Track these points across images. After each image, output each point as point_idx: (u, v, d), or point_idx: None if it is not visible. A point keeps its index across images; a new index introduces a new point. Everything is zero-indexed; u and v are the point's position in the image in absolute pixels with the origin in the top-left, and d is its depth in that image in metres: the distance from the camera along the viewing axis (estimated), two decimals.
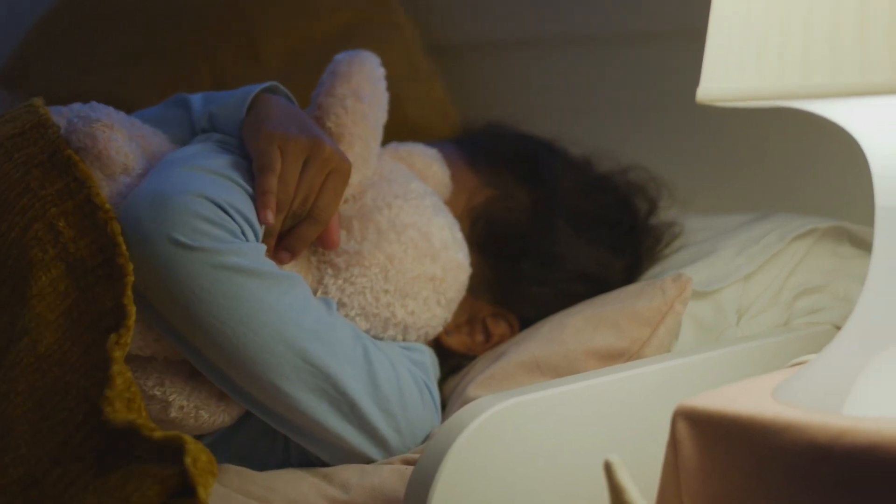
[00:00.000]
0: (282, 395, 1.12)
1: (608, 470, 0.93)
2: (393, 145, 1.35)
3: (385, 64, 1.82)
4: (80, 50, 1.88)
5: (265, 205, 1.13)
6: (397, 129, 1.79)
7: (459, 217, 1.35)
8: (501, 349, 1.30)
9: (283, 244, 1.18)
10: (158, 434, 1.00)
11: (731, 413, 0.94)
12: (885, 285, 0.96)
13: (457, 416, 1.05)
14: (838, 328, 1.28)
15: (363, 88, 1.25)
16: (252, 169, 1.15)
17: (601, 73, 1.78)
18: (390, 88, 1.80)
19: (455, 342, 1.34)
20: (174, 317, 1.10)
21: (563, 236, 1.37)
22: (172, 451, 0.99)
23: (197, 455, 0.99)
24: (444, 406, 1.28)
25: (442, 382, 1.32)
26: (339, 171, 1.18)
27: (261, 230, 1.15)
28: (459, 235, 1.29)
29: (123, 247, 1.07)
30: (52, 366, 1.04)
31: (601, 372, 1.16)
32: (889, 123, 0.92)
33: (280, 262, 1.18)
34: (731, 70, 0.92)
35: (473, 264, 1.33)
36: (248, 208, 1.13)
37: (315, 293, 1.21)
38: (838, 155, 1.52)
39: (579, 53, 1.81)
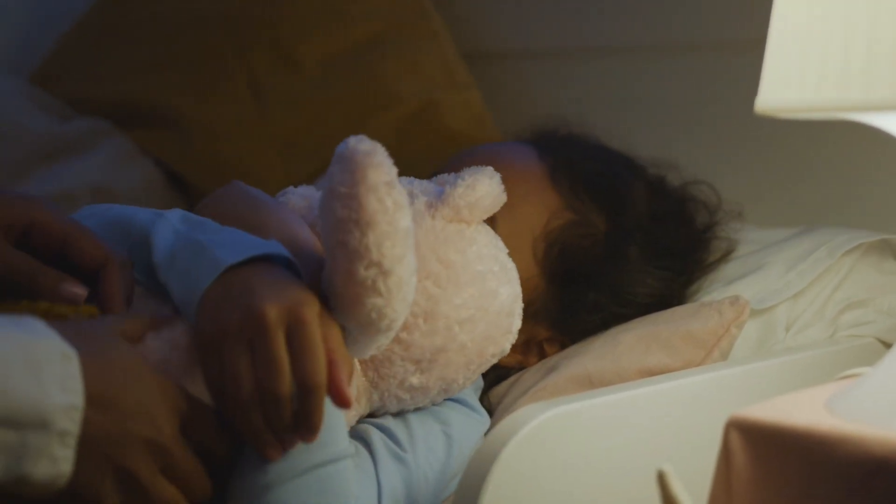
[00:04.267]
0: None
1: (661, 479, 0.92)
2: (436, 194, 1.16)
3: (421, 71, 1.84)
4: (116, 53, 1.89)
5: (263, 445, 0.99)
6: (435, 137, 1.80)
7: (537, 238, 1.32)
8: (552, 362, 1.29)
9: (298, 430, 0.99)
10: None
11: (787, 425, 0.94)
12: None
13: (503, 426, 1.04)
14: (881, 341, 1.29)
15: (384, 241, 0.98)
16: None
17: (641, 84, 1.78)
18: (427, 95, 1.81)
19: (509, 361, 1.33)
20: None
21: (634, 268, 1.34)
22: None
23: None
24: (492, 413, 1.28)
25: (490, 389, 1.32)
26: (300, 322, 0.96)
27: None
28: (519, 307, 1.20)
29: None
30: None
31: (650, 381, 1.16)
32: None
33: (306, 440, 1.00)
34: (792, 81, 0.91)
35: (540, 290, 1.31)
36: None
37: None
38: (882, 167, 1.52)
39: (617, 63, 1.81)
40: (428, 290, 1.11)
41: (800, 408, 0.98)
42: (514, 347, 1.32)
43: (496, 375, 1.33)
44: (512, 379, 1.32)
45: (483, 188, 1.13)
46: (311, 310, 0.97)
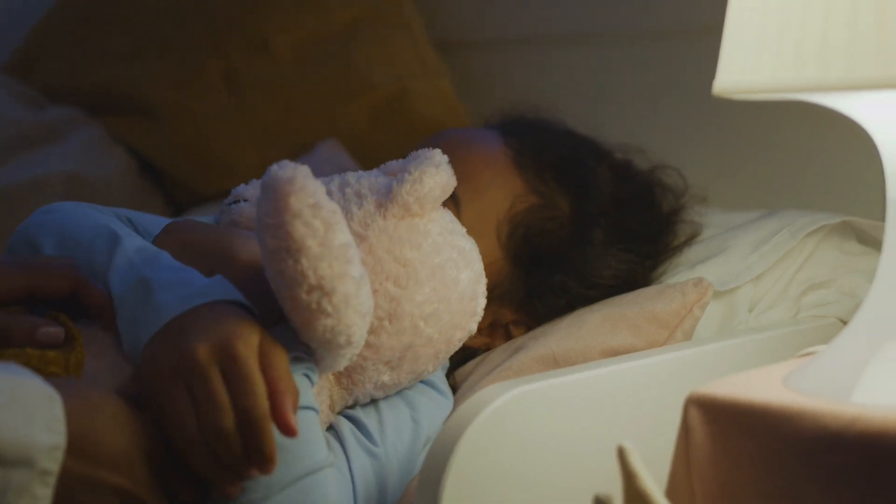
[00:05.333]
0: None
1: (621, 455, 0.94)
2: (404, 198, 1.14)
3: (394, 59, 1.85)
4: (89, 42, 1.90)
5: (219, 482, 0.99)
6: (407, 125, 1.81)
7: (501, 222, 1.33)
8: (519, 342, 1.31)
9: (253, 462, 0.99)
10: None
11: (744, 400, 0.96)
12: (895, 278, 0.97)
13: (468, 405, 1.05)
14: (843, 322, 1.30)
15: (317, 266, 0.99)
16: None
17: (607, 70, 1.80)
18: (399, 83, 1.83)
19: (476, 343, 1.35)
20: None
21: (599, 251, 1.35)
22: None
23: None
24: (456, 391, 1.29)
25: (456, 369, 1.33)
26: (232, 358, 0.98)
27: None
28: (482, 287, 1.20)
29: None
30: None
31: (613, 361, 1.17)
32: None
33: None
34: (749, 63, 0.93)
35: (505, 273, 1.33)
36: None
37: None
38: (843, 150, 1.54)
39: (585, 51, 1.83)
40: (389, 291, 1.10)
41: (757, 384, 1.00)
42: (481, 330, 1.34)
43: (463, 356, 1.34)
44: (478, 358, 1.33)
45: (430, 180, 1.11)
46: (244, 342, 0.98)
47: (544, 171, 1.36)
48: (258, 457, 0.98)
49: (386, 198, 1.11)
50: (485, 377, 1.25)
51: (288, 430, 0.98)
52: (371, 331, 1.09)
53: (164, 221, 1.22)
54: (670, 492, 1.01)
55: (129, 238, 1.11)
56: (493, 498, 1.04)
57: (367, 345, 1.10)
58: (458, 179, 1.27)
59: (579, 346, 1.24)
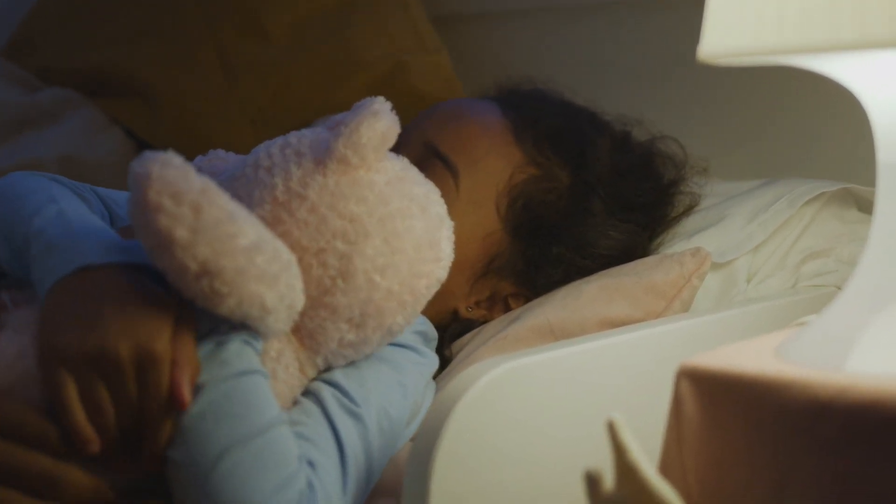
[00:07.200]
0: None
1: (611, 429, 0.93)
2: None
3: (390, 36, 1.84)
4: (85, 25, 1.90)
5: (86, 439, 0.99)
6: (405, 100, 1.79)
7: (500, 193, 1.32)
8: (516, 313, 1.31)
9: (148, 453, 1.02)
10: None
11: (734, 371, 0.94)
12: (888, 244, 0.96)
13: (459, 379, 1.04)
14: None
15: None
16: None
17: (606, 40, 1.79)
18: (396, 58, 1.82)
19: (475, 316, 1.35)
20: None
21: (597, 221, 1.35)
22: None
23: None
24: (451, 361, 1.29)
25: (454, 340, 1.33)
26: (149, 360, 0.99)
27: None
28: (446, 229, 1.14)
29: None
30: None
31: (607, 334, 1.16)
32: (889, 78, 0.92)
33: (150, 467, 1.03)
34: (732, 27, 0.92)
35: (505, 245, 1.32)
36: None
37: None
38: (843, 117, 1.52)
39: (583, 22, 1.82)
40: (338, 248, 1.06)
41: (749, 354, 0.98)
42: (479, 303, 1.34)
43: (461, 329, 1.34)
44: (476, 330, 1.33)
45: (367, 130, 1.06)
46: (162, 343, 0.99)
47: (542, 142, 1.36)
48: (149, 448, 1.00)
49: (324, 154, 1.07)
50: (480, 347, 1.25)
51: (177, 403, 1.00)
52: (325, 291, 1.07)
53: None
54: (663, 465, 1.00)
55: (68, 200, 1.10)
56: (483, 472, 1.03)
57: (323, 305, 1.07)
58: (455, 150, 1.30)
59: (576, 317, 1.23)
